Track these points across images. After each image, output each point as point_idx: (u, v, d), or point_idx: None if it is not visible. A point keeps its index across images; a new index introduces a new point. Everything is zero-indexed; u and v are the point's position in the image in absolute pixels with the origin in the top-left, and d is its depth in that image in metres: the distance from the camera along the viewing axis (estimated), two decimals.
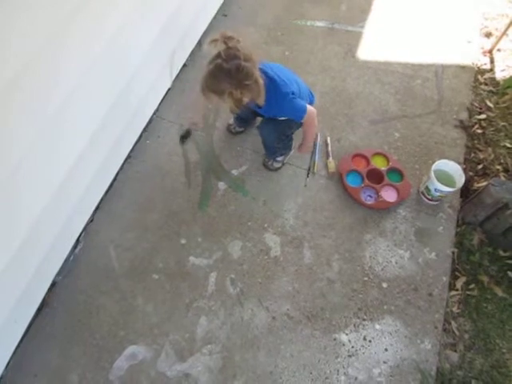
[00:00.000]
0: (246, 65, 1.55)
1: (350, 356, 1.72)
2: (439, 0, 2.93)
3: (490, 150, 2.23)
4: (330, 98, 2.44)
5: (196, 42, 2.57)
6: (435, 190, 1.93)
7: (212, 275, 1.90)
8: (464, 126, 2.30)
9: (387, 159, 2.16)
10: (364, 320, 1.79)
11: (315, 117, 1.84)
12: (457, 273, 1.92)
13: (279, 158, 2.15)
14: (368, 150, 2.20)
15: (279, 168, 2.18)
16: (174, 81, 2.49)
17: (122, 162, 2.16)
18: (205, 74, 1.59)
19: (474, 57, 2.62)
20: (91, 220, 2.03)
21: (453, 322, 1.81)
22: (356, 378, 1.67)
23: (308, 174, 2.17)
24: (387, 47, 2.67)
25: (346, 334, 1.76)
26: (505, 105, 2.40)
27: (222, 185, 2.15)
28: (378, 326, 1.78)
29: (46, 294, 1.81)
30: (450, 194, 1.99)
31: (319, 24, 2.82)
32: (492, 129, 2.31)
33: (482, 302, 1.86)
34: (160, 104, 2.40)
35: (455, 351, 1.76)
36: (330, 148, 2.23)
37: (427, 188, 1.98)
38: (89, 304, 1.83)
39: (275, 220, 2.04)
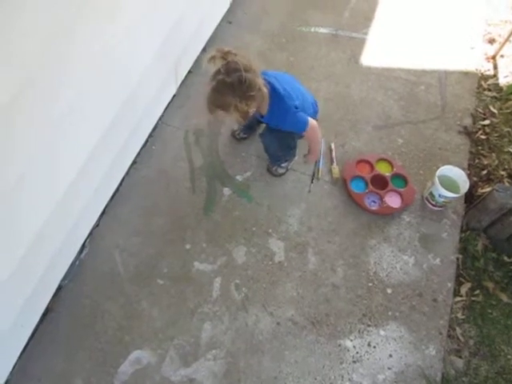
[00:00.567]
0: (248, 75, 1.56)
1: (354, 362, 1.72)
2: (442, 6, 2.95)
3: (494, 155, 2.24)
4: (334, 103, 2.45)
5: (201, 48, 2.59)
6: (439, 195, 1.93)
7: (216, 280, 1.90)
8: (468, 132, 2.30)
9: (391, 165, 2.16)
10: (368, 326, 1.79)
11: (317, 130, 1.86)
12: (461, 279, 1.92)
13: (283, 164, 2.16)
14: (372, 156, 2.20)
15: (283, 174, 2.19)
16: (179, 87, 2.51)
17: (127, 167, 2.18)
18: (208, 91, 1.61)
19: (477, 63, 2.63)
20: (97, 225, 2.04)
21: (457, 328, 1.81)
22: None
23: (312, 179, 2.18)
24: (390, 54, 2.69)
25: (351, 340, 1.76)
26: (508, 110, 2.41)
27: (226, 190, 2.16)
28: (382, 332, 1.78)
29: (52, 298, 1.82)
30: (454, 200, 1.99)
31: (323, 30, 2.84)
32: (496, 134, 2.32)
33: (487, 307, 1.86)
34: (165, 110, 2.42)
35: (460, 357, 1.76)
36: (334, 154, 2.24)
37: (431, 194, 1.99)
38: (94, 309, 1.84)
39: (279, 225, 2.04)
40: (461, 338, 1.79)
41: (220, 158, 2.28)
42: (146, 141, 2.31)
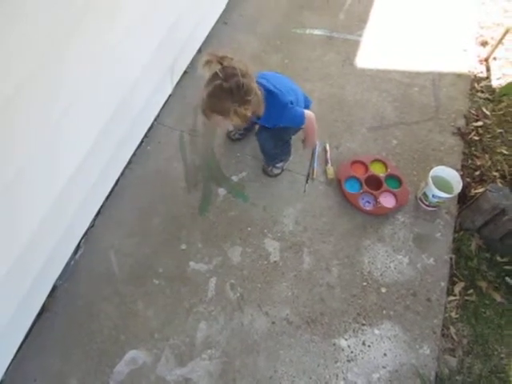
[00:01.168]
0: (245, 80, 1.57)
1: (349, 361, 1.73)
2: (436, 9, 2.97)
3: (487, 156, 2.26)
4: (329, 105, 2.47)
5: (197, 49, 2.60)
6: (433, 196, 1.95)
7: (212, 280, 1.91)
8: (461, 133, 2.32)
9: (386, 166, 2.18)
10: (363, 325, 1.80)
11: (314, 120, 1.88)
12: (455, 278, 1.93)
13: (279, 165, 2.17)
14: (366, 157, 2.22)
15: (279, 174, 2.20)
16: (175, 87, 2.51)
17: (122, 167, 2.18)
18: (205, 96, 1.60)
19: (470, 65, 2.66)
20: (92, 225, 2.04)
21: (451, 328, 1.82)
22: (355, 383, 1.68)
23: (307, 180, 2.19)
24: (385, 56, 2.71)
25: (346, 339, 1.77)
26: (501, 112, 2.43)
27: (222, 191, 2.16)
28: (377, 331, 1.79)
29: (47, 298, 1.82)
30: (447, 200, 2.00)
31: (318, 32, 2.85)
32: (489, 136, 2.34)
33: (481, 307, 1.87)
34: (161, 110, 2.42)
35: (454, 356, 1.77)
36: (328, 154, 2.25)
37: (425, 194, 2.00)
38: (89, 309, 1.84)
39: (275, 226, 2.05)
40: (454, 337, 1.80)
41: (215, 158, 2.28)
42: (141, 141, 2.31)
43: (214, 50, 1.61)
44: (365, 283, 1.89)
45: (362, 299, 1.86)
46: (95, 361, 1.73)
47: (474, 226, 1.99)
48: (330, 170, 2.20)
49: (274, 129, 1.92)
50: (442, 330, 1.80)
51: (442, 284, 1.88)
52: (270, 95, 1.75)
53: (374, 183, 2.12)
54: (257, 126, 2.13)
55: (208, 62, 1.58)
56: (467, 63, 2.66)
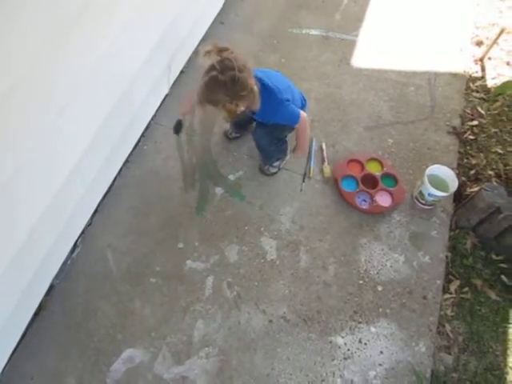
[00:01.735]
0: (241, 76, 1.57)
1: (345, 359, 1.74)
2: (431, 9, 2.99)
3: (482, 155, 2.27)
4: (325, 104, 2.48)
5: (193, 48, 2.60)
6: (429, 194, 1.96)
7: (209, 279, 1.91)
8: (456, 132, 2.34)
9: (381, 164, 2.19)
10: (360, 323, 1.81)
11: (307, 122, 1.88)
12: (451, 276, 1.94)
13: (275, 164, 2.18)
14: (363, 156, 2.23)
15: (275, 173, 2.21)
16: (172, 87, 2.52)
17: (119, 166, 2.18)
18: (201, 85, 1.60)
19: (465, 65, 2.67)
20: (89, 224, 2.04)
21: (447, 325, 1.83)
22: (352, 381, 1.69)
23: (304, 178, 2.19)
24: (381, 55, 2.72)
25: (342, 337, 1.78)
26: (496, 112, 2.45)
27: (218, 190, 2.17)
28: (373, 329, 1.80)
29: (44, 297, 1.82)
30: (443, 199, 2.02)
31: (314, 32, 2.86)
32: (484, 135, 2.35)
33: (476, 305, 1.88)
34: (157, 110, 2.43)
35: (450, 354, 1.78)
36: (325, 153, 2.26)
37: (421, 193, 2.01)
38: (86, 307, 1.84)
39: (271, 224, 2.06)
40: (450, 334, 1.81)
41: (212, 157, 2.29)
42: (138, 140, 2.31)
43: (216, 41, 1.61)
44: (361, 281, 1.90)
45: (358, 297, 1.87)
46: (92, 359, 1.73)
47: (470, 225, 2.00)
48: (327, 168, 2.20)
49: (269, 126, 1.92)
50: (438, 327, 1.81)
51: (438, 282, 1.90)
52: (267, 91, 1.76)
53: (370, 182, 2.13)
54: (253, 125, 2.13)
55: (208, 52, 1.58)
56: (463, 63, 2.68)
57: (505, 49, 2.74)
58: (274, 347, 1.75)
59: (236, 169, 2.24)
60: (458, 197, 2.10)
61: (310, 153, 2.27)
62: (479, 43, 2.80)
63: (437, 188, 1.91)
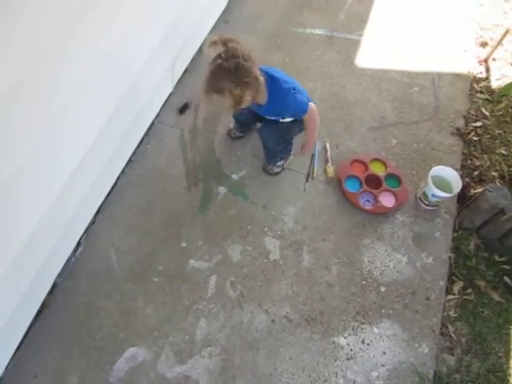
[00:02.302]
0: (245, 63, 1.59)
1: (348, 359, 1.73)
2: (436, 10, 2.98)
3: (486, 156, 2.27)
4: (329, 104, 2.47)
5: (197, 47, 2.60)
6: (432, 195, 1.95)
7: (212, 278, 1.91)
8: (460, 133, 2.33)
9: (385, 165, 2.19)
10: (362, 323, 1.81)
11: (316, 113, 1.88)
12: (454, 277, 1.94)
13: (279, 163, 2.18)
14: (366, 156, 2.23)
15: (279, 173, 2.20)
16: (176, 86, 2.52)
17: (123, 165, 2.18)
18: (206, 74, 1.63)
19: (469, 65, 2.67)
20: (92, 223, 2.04)
21: (450, 326, 1.83)
22: (354, 381, 1.69)
23: (307, 178, 2.19)
24: (385, 55, 2.71)
25: (345, 338, 1.78)
26: (500, 113, 2.44)
27: (222, 189, 2.17)
28: (376, 330, 1.79)
29: (47, 295, 1.82)
30: (446, 200, 2.01)
31: (318, 32, 2.86)
32: (488, 136, 2.35)
33: (479, 306, 1.88)
34: (161, 109, 2.42)
35: (452, 355, 1.78)
36: (329, 154, 2.26)
37: (424, 193, 2.01)
38: (89, 306, 1.84)
39: (275, 224, 2.06)
40: (453, 335, 1.81)
41: (216, 156, 2.29)
42: (142, 139, 2.31)
43: (222, 33, 1.63)
44: (364, 282, 1.90)
45: (361, 298, 1.86)
46: (95, 358, 1.73)
47: (473, 226, 2.00)
48: (330, 168, 2.20)
49: (277, 125, 1.92)
50: (441, 328, 1.81)
51: (441, 283, 1.89)
52: (273, 82, 1.77)
53: (374, 182, 2.13)
54: (257, 124, 2.13)
55: (214, 43, 1.60)
56: (467, 64, 2.67)
57: (509, 50, 2.74)
58: (277, 347, 1.75)
59: (239, 168, 2.24)
60: (462, 198, 2.09)
61: (313, 153, 2.26)
62: (484, 44, 2.80)
63: (440, 189, 1.91)
